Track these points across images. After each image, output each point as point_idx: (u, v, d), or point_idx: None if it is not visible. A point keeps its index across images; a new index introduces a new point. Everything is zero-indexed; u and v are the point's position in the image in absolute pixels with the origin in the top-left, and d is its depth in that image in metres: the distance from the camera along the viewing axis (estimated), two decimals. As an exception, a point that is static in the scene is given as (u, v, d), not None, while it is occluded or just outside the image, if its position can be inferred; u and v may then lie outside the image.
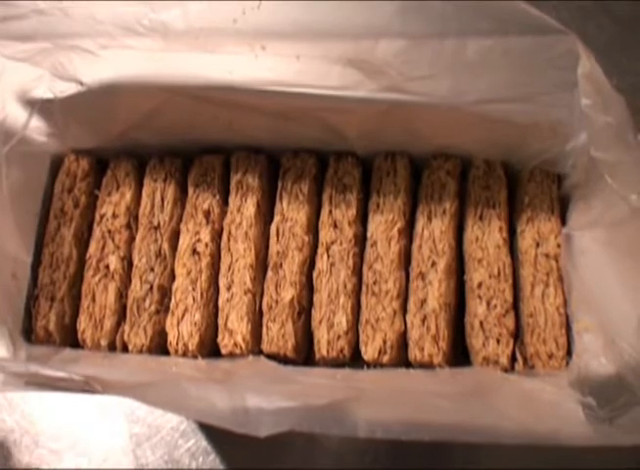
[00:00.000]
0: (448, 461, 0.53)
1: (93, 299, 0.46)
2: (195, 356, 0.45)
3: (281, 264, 0.45)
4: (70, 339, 0.46)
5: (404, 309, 0.45)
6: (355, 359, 0.45)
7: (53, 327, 0.46)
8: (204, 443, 0.53)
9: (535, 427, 0.36)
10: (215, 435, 0.53)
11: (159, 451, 0.53)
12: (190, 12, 0.39)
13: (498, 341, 0.43)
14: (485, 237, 0.45)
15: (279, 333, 0.44)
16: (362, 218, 0.47)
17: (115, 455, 0.53)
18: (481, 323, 0.44)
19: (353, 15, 0.38)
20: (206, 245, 0.46)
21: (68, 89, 0.43)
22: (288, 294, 0.44)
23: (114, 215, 0.47)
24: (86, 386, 0.36)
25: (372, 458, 0.53)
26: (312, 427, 0.35)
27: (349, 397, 0.37)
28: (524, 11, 0.37)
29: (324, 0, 0.39)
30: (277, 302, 0.44)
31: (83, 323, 0.46)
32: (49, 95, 0.44)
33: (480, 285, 0.44)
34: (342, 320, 0.44)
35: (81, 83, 0.42)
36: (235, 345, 0.44)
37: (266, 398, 0.35)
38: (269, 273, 0.45)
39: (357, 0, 0.38)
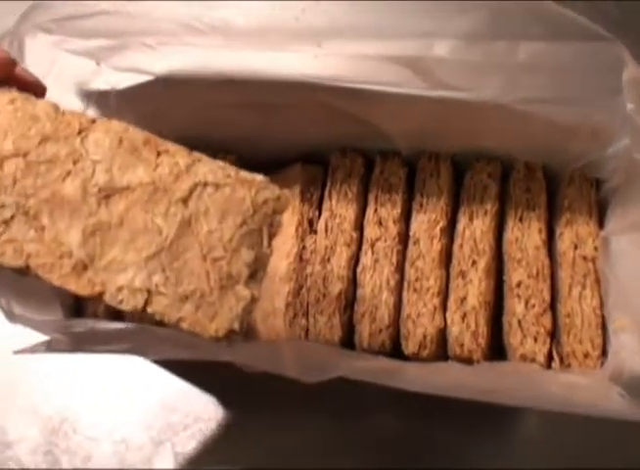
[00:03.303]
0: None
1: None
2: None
3: (329, 259, 0.46)
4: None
5: (444, 306, 0.46)
6: (395, 354, 0.46)
7: (102, 314, 0.47)
8: (240, 431, 0.54)
9: (573, 398, 0.38)
10: (252, 424, 0.54)
11: (195, 440, 0.54)
12: (250, 10, 0.40)
13: (536, 339, 0.45)
14: (525, 238, 0.46)
15: (326, 326, 0.45)
16: (406, 217, 0.48)
17: (153, 443, 0.54)
18: (520, 322, 0.45)
19: (409, 15, 0.40)
20: None
21: (124, 81, 0.45)
22: (335, 288, 0.46)
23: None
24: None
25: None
26: (363, 377, 0.37)
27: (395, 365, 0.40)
28: (572, 18, 0.39)
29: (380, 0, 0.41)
30: (325, 295, 0.46)
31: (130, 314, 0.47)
32: (105, 87, 0.45)
33: (518, 284, 0.46)
34: (384, 315, 0.46)
35: (138, 75, 0.44)
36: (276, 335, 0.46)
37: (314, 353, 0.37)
38: (317, 267, 0.46)
39: (413, 0, 0.40)
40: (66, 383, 0.57)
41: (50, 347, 0.41)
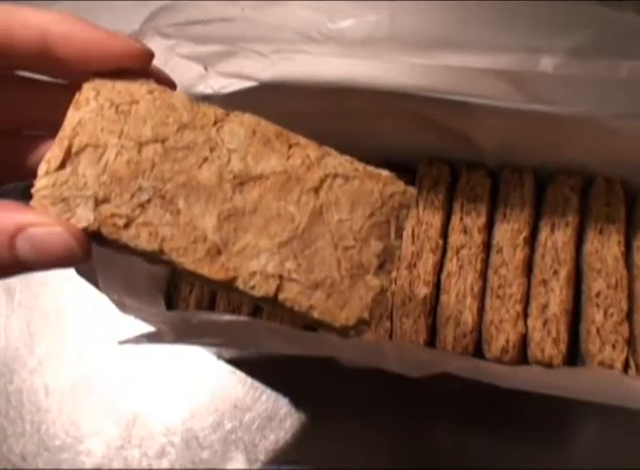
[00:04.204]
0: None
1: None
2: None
3: (415, 264, 0.48)
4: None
5: (526, 313, 0.48)
6: (476, 357, 0.48)
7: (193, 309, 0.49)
8: (312, 433, 0.55)
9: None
10: (324, 426, 0.56)
11: (267, 440, 0.56)
12: (365, 22, 0.42)
13: (614, 347, 0.46)
14: (605, 250, 0.48)
15: (412, 328, 0.47)
16: (489, 226, 0.50)
17: (225, 441, 0.56)
18: (598, 330, 0.47)
19: (512, 30, 0.42)
20: None
21: (228, 86, 0.46)
22: (421, 292, 0.47)
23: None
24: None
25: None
26: (460, 373, 0.40)
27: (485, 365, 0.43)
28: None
29: (486, 6, 0.43)
30: (410, 299, 0.47)
31: (222, 308, 0.49)
32: (209, 91, 0.47)
33: (598, 294, 0.47)
34: (467, 319, 0.47)
35: (243, 81, 0.45)
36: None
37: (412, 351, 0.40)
38: (403, 272, 0.48)
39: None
40: (139, 379, 0.58)
41: (154, 338, 0.42)
